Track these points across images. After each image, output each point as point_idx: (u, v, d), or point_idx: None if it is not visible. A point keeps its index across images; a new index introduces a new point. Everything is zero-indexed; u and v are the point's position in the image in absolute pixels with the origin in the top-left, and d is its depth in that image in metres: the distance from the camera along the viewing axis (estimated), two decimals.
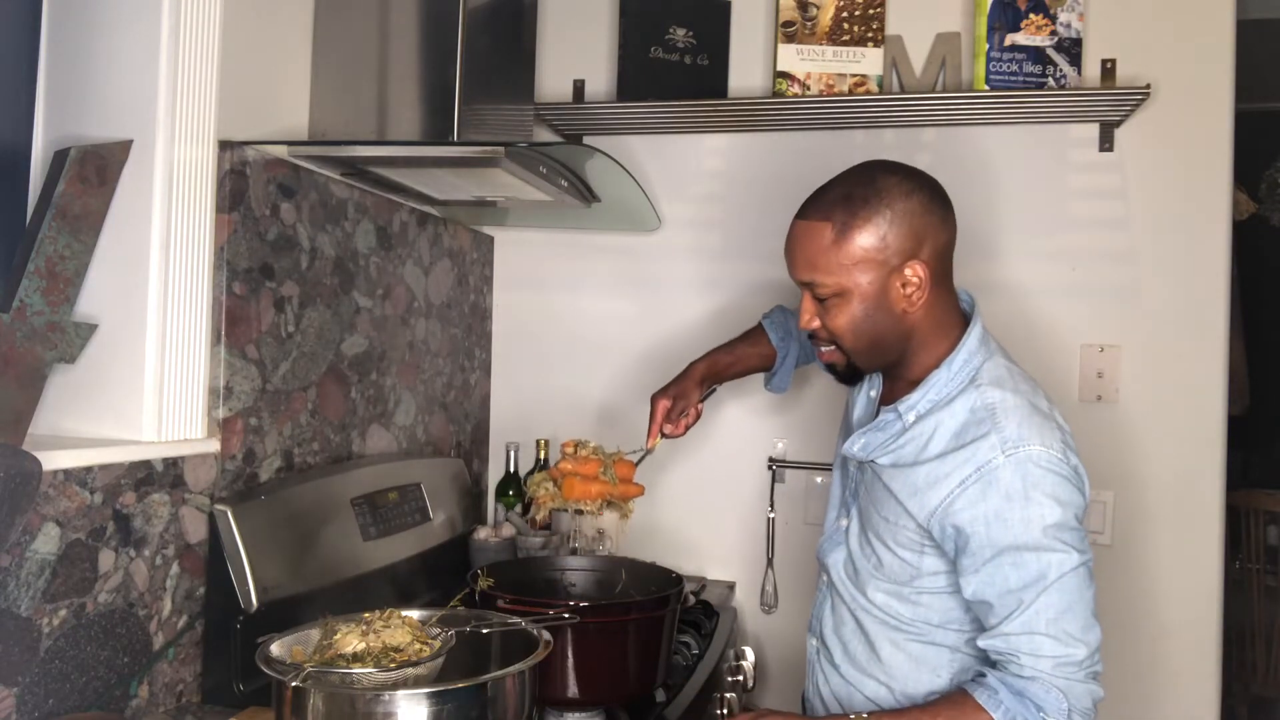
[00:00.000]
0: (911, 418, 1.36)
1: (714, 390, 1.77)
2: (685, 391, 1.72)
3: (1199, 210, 2.08)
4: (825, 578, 1.52)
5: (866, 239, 1.30)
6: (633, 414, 2.37)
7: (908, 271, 1.31)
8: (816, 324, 1.37)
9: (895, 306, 1.33)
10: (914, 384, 1.37)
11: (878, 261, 1.31)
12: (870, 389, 1.51)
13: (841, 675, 1.45)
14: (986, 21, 2.04)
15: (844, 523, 1.49)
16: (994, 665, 1.27)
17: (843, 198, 1.32)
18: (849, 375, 1.43)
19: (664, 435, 1.69)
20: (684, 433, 1.72)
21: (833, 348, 1.38)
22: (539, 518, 1.57)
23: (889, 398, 1.44)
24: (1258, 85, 2.59)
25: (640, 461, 1.69)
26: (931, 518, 1.30)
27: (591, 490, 1.59)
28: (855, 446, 1.43)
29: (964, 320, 1.40)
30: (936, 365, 1.36)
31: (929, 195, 1.33)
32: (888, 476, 1.38)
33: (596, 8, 2.36)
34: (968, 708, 1.23)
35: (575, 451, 1.64)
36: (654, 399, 1.71)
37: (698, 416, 1.74)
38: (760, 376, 1.85)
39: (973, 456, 1.28)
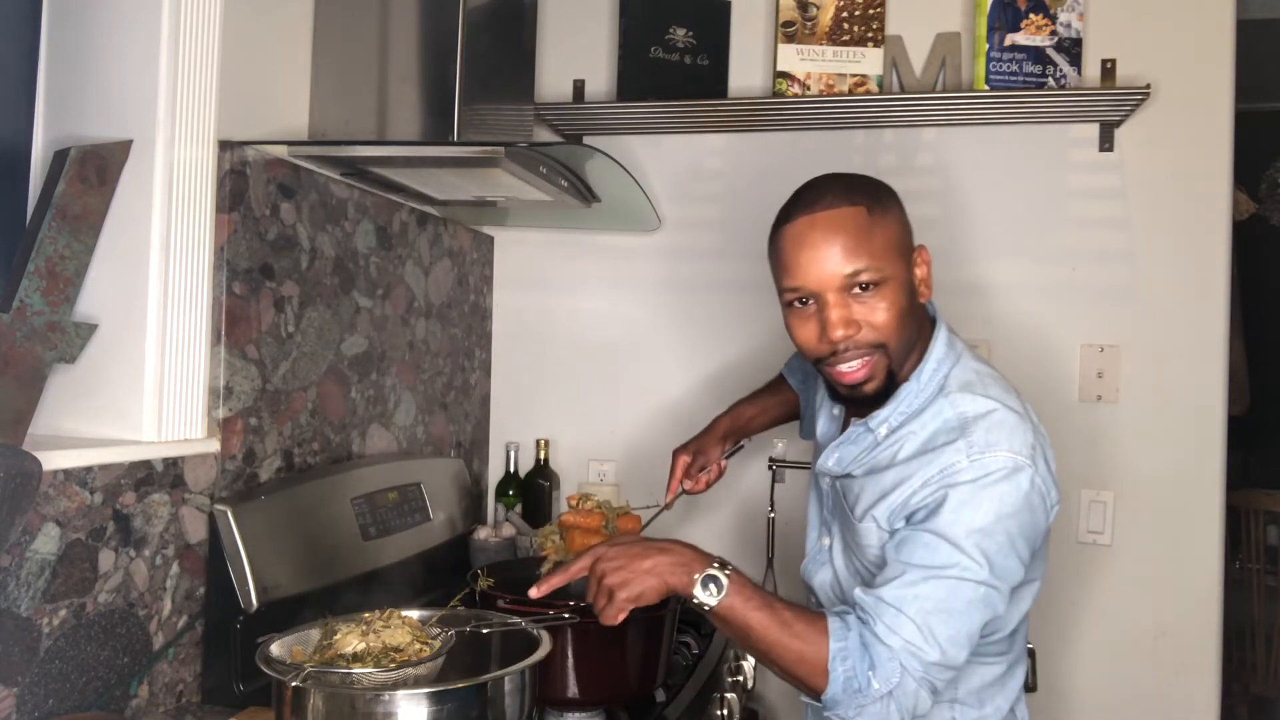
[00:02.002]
0: (883, 431, 1.32)
1: (741, 446, 1.75)
2: (705, 447, 1.71)
3: (1199, 210, 2.08)
4: (813, 600, 1.49)
5: (894, 221, 1.28)
6: (632, 413, 2.38)
7: (919, 256, 1.31)
8: (854, 329, 1.25)
9: (917, 295, 1.31)
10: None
11: (905, 246, 1.29)
12: (832, 406, 1.47)
13: None
14: (986, 21, 2.04)
15: (826, 542, 1.46)
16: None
17: (856, 184, 1.28)
18: (885, 388, 1.30)
19: (684, 491, 1.68)
20: (705, 489, 1.71)
21: (868, 356, 1.27)
22: (543, 571, 1.59)
23: (860, 411, 1.38)
24: (1258, 85, 2.59)
25: (655, 517, 1.67)
26: (893, 516, 1.27)
27: (591, 543, 1.57)
28: (830, 461, 1.39)
29: (931, 325, 1.36)
30: (906, 377, 1.31)
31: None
32: (858, 487, 1.34)
33: (596, 8, 2.36)
34: (817, 627, 1.18)
35: (579, 504, 1.63)
36: (675, 454, 1.70)
37: (720, 473, 1.72)
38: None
39: (937, 459, 1.24)
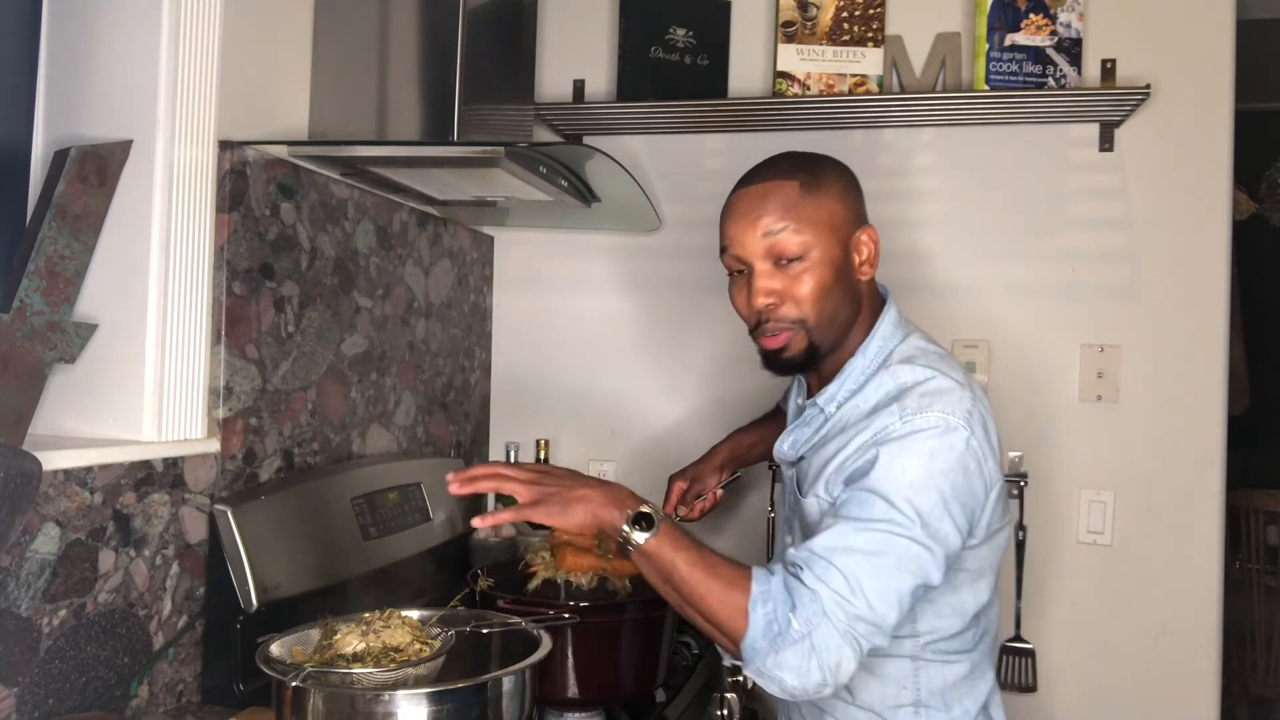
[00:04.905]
0: (833, 409, 1.34)
1: (739, 476, 1.75)
2: (702, 475, 1.72)
3: (1199, 210, 2.07)
4: None
5: (831, 197, 1.31)
6: (632, 414, 2.38)
7: (863, 236, 1.33)
8: (775, 299, 1.29)
9: (853, 274, 1.33)
10: (835, 374, 1.36)
11: (839, 224, 1.31)
12: (797, 395, 1.49)
13: (810, 700, 1.40)
14: (986, 21, 2.04)
15: (789, 540, 1.45)
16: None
17: (796, 163, 1.33)
18: (804, 360, 1.34)
19: (679, 517, 1.69)
20: (699, 517, 1.71)
21: (788, 330, 1.31)
22: (530, 587, 1.59)
23: (813, 394, 1.41)
24: (1258, 85, 2.59)
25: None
26: (830, 482, 1.28)
27: (583, 563, 1.56)
28: (785, 445, 1.41)
29: (882, 305, 1.39)
30: (852, 353, 1.34)
31: (855, 177, 1.38)
32: (807, 466, 1.36)
33: (596, 8, 2.36)
34: (742, 572, 1.18)
35: None
36: (671, 480, 1.71)
37: (716, 502, 1.73)
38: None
39: (872, 424, 1.25)
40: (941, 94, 2.11)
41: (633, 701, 1.56)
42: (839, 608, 1.14)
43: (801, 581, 1.16)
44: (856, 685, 1.34)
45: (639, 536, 1.18)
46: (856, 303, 1.34)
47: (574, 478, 1.25)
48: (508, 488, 1.24)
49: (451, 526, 2.07)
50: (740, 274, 1.35)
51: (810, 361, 1.35)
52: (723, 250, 1.35)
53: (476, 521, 1.23)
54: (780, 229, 1.28)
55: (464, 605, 1.45)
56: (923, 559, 1.18)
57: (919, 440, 1.21)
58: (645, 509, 1.20)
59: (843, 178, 1.35)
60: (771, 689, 1.15)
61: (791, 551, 1.20)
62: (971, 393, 1.26)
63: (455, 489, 1.24)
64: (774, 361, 1.35)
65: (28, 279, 1.27)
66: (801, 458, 1.39)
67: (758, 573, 1.18)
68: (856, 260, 1.33)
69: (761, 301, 1.30)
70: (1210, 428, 2.07)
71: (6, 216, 1.42)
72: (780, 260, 1.29)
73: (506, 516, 1.22)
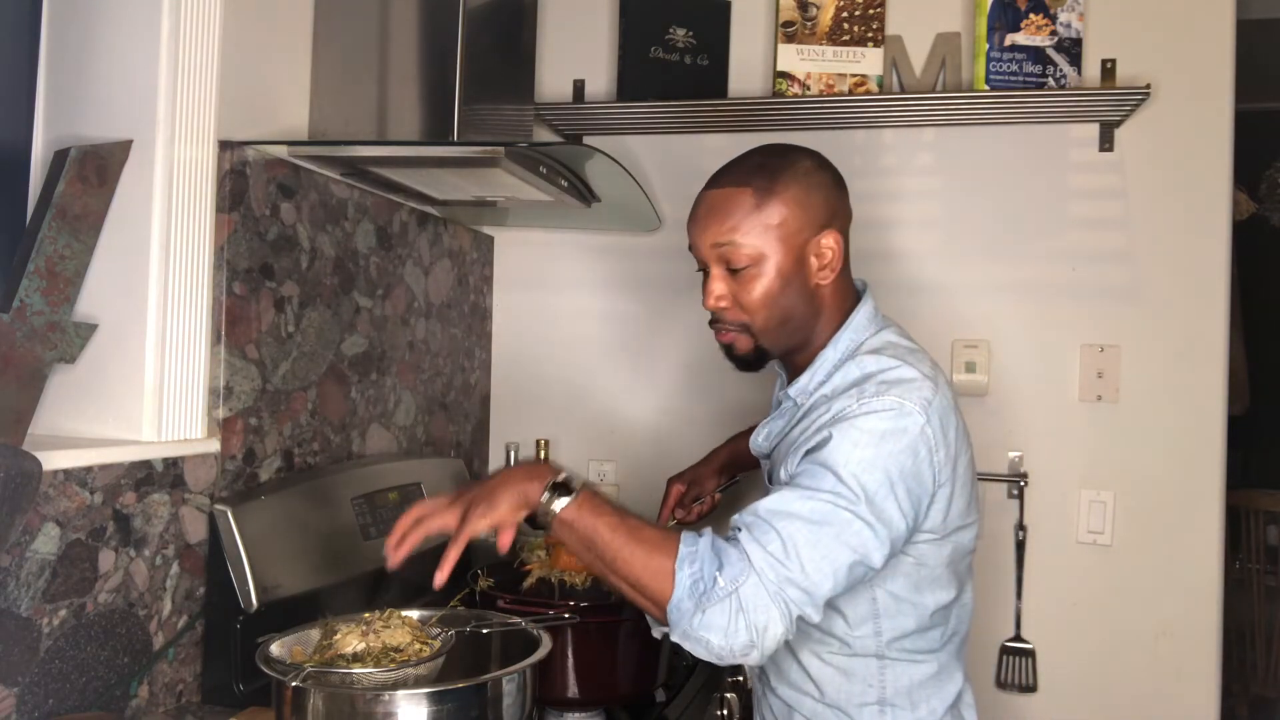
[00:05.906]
0: (804, 399, 1.35)
1: (737, 481, 1.76)
2: (701, 478, 1.73)
3: (1199, 210, 2.07)
4: None
5: (786, 204, 1.30)
6: (632, 413, 2.38)
7: (824, 241, 1.32)
8: (725, 303, 1.32)
9: (809, 280, 1.33)
10: (808, 366, 1.37)
11: (795, 229, 1.30)
12: (777, 389, 1.50)
13: (780, 698, 1.41)
14: (986, 21, 2.04)
15: None
16: None
17: (758, 166, 1.33)
18: (753, 360, 1.37)
19: (676, 520, 1.69)
20: (696, 520, 1.71)
21: (737, 330, 1.34)
22: (525, 585, 1.58)
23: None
24: (1258, 85, 2.59)
25: None
26: (789, 465, 1.28)
27: (577, 562, 1.57)
28: (759, 438, 1.43)
29: (857, 301, 1.40)
30: (823, 345, 1.35)
31: (834, 174, 1.36)
32: (778, 456, 1.36)
33: (596, 8, 2.36)
34: (669, 536, 1.17)
35: None
36: (669, 482, 1.71)
37: (714, 505, 1.73)
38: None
39: (832, 408, 1.26)
40: (941, 94, 2.11)
41: (632, 701, 1.57)
42: (771, 569, 1.13)
43: (732, 542, 1.16)
44: (824, 681, 1.35)
45: (557, 504, 1.18)
46: (812, 306, 1.34)
47: (490, 477, 1.25)
48: (435, 525, 1.22)
49: None
50: (702, 270, 1.37)
51: (760, 361, 1.37)
52: (689, 246, 1.38)
53: (438, 582, 1.20)
54: (726, 243, 1.31)
55: (464, 605, 1.45)
56: (864, 535, 1.18)
57: (872, 420, 1.22)
58: (562, 479, 1.19)
59: (805, 180, 1.33)
60: (698, 652, 1.14)
61: (736, 516, 1.21)
62: (935, 385, 1.27)
63: (394, 561, 1.22)
64: (727, 356, 1.39)
65: (28, 279, 1.27)
66: (775, 448, 1.40)
67: (686, 536, 1.17)
68: (815, 265, 1.33)
69: (711, 304, 1.34)
70: (1210, 428, 2.07)
71: (6, 216, 1.42)
72: (730, 267, 1.32)
73: (454, 553, 1.20)
